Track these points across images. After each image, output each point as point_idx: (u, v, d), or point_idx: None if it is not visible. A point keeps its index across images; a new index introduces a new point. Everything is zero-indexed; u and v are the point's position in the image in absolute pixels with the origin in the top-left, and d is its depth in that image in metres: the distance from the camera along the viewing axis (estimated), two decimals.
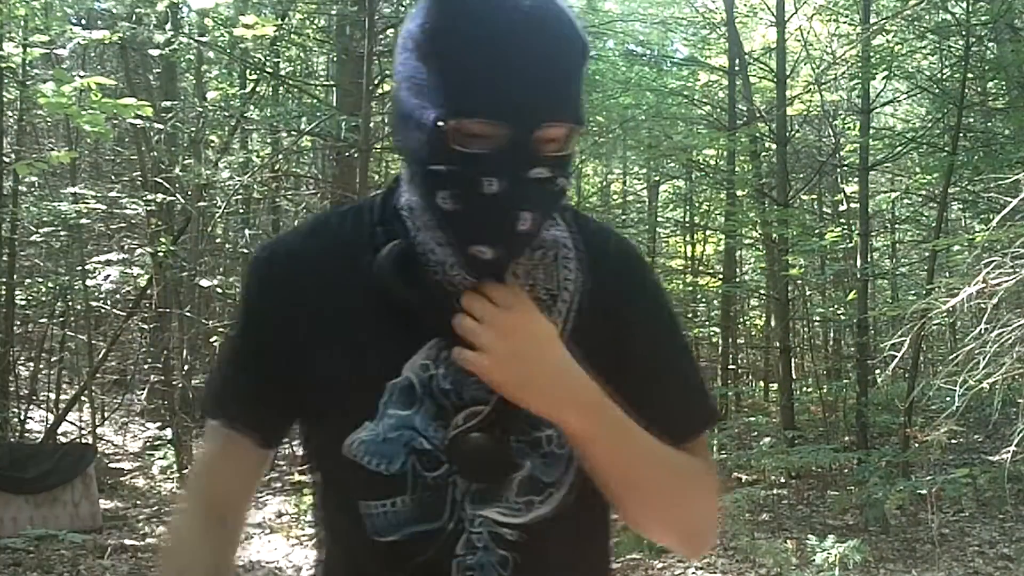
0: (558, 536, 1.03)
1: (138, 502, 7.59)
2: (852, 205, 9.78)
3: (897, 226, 12.15)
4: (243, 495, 1.16)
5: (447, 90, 0.90)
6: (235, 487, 1.13)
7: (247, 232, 10.03)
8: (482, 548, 1.01)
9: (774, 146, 9.48)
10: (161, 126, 8.52)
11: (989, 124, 9.89)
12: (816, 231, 10.12)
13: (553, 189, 0.95)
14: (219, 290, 10.50)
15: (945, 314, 4.97)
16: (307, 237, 1.08)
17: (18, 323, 9.47)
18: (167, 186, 8.48)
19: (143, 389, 10.83)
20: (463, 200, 0.93)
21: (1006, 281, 4.45)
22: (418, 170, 0.96)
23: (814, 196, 12.23)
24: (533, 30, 0.90)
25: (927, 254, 8.92)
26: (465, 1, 0.91)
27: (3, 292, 8.43)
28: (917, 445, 6.31)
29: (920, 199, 10.98)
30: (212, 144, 10.40)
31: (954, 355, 5.25)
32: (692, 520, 1.09)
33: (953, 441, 7.42)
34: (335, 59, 10.46)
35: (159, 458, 8.57)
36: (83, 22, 9.18)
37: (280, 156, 10.40)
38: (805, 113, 10.73)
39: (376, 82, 8.32)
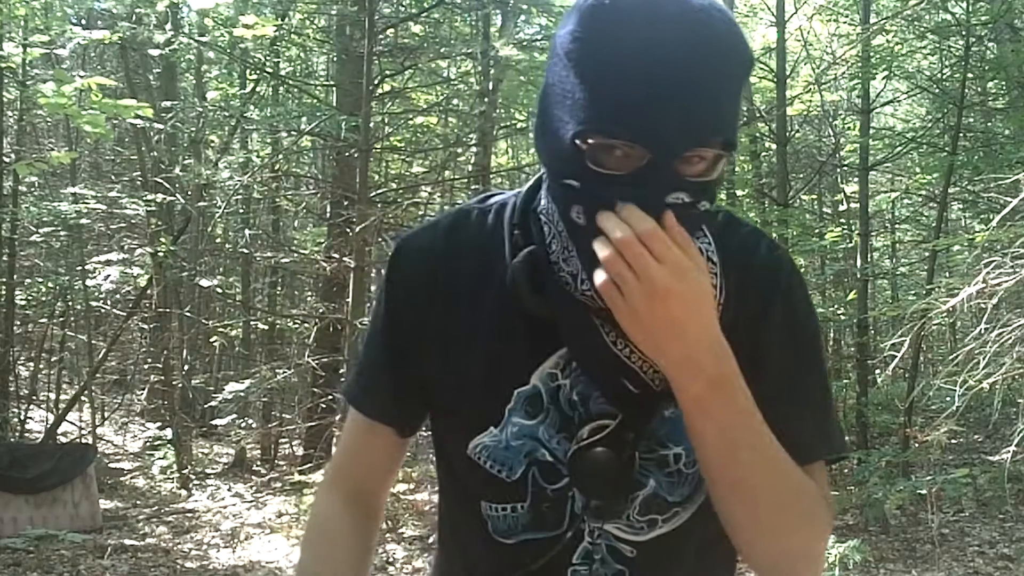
0: (678, 553, 1.02)
1: (138, 502, 7.59)
2: (852, 205, 9.79)
3: (897, 226, 12.16)
4: (383, 481, 1.17)
5: (588, 106, 0.86)
6: (375, 474, 1.15)
7: (247, 232, 10.03)
8: (599, 561, 1.01)
9: (774, 146, 9.48)
10: (161, 126, 8.52)
11: (989, 124, 9.89)
12: (816, 231, 10.12)
13: (693, 213, 0.89)
14: (219, 290, 10.50)
15: (945, 314, 4.96)
16: (447, 233, 1.06)
17: (18, 323, 9.47)
18: (167, 186, 8.47)
19: (143, 389, 10.83)
20: (595, 219, 0.88)
21: (1006, 281, 4.45)
22: (554, 181, 0.93)
23: (814, 196, 12.23)
24: (688, 48, 0.83)
25: (927, 254, 8.92)
26: (618, 11, 0.85)
27: (3, 292, 8.43)
28: (917, 445, 6.30)
29: (920, 199, 10.98)
30: (212, 144, 10.40)
31: (954, 355, 5.25)
32: (793, 547, 0.99)
33: (953, 441, 7.42)
34: (335, 59, 10.46)
35: (159, 458, 8.57)
36: (83, 22, 9.18)
37: (280, 156, 10.39)
38: (805, 113, 10.73)
39: (376, 82, 8.31)
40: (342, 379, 7.25)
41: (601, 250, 0.86)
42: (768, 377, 0.97)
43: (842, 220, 10.80)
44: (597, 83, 0.85)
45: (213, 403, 9.47)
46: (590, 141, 0.86)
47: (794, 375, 1.02)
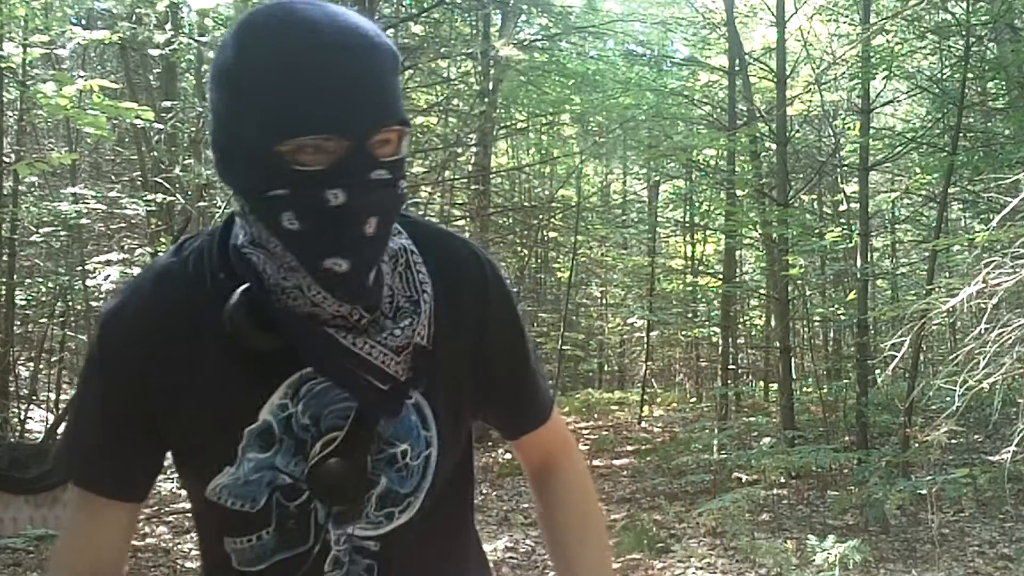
0: (418, 536, 1.10)
1: None
2: (852, 205, 9.79)
3: (897, 226, 12.16)
4: (121, 554, 1.14)
5: (277, 113, 0.91)
6: (113, 549, 1.11)
7: None
8: (348, 562, 1.07)
9: (774, 146, 9.48)
10: (161, 126, 8.52)
11: (989, 124, 9.89)
12: (816, 231, 10.12)
13: (395, 192, 0.98)
14: None
15: (945, 314, 4.97)
16: (153, 292, 1.05)
17: (18, 323, 9.47)
18: (167, 186, 8.48)
19: None
20: (309, 217, 0.94)
21: (1006, 281, 4.45)
22: (257, 200, 0.97)
23: (814, 196, 12.24)
24: (345, 46, 0.92)
25: (927, 254, 8.92)
26: (277, 28, 0.93)
27: (3, 292, 8.43)
28: (917, 445, 6.30)
29: (920, 199, 10.99)
30: None
31: (954, 355, 5.25)
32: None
33: (953, 441, 7.42)
34: None
35: None
36: (83, 22, 9.18)
37: None
38: (805, 113, 10.74)
39: None
40: None
41: None
42: (504, 358, 1.16)
43: (842, 220, 10.80)
44: (282, 92, 0.91)
45: None
46: (288, 144, 0.92)
47: (522, 350, 1.19)
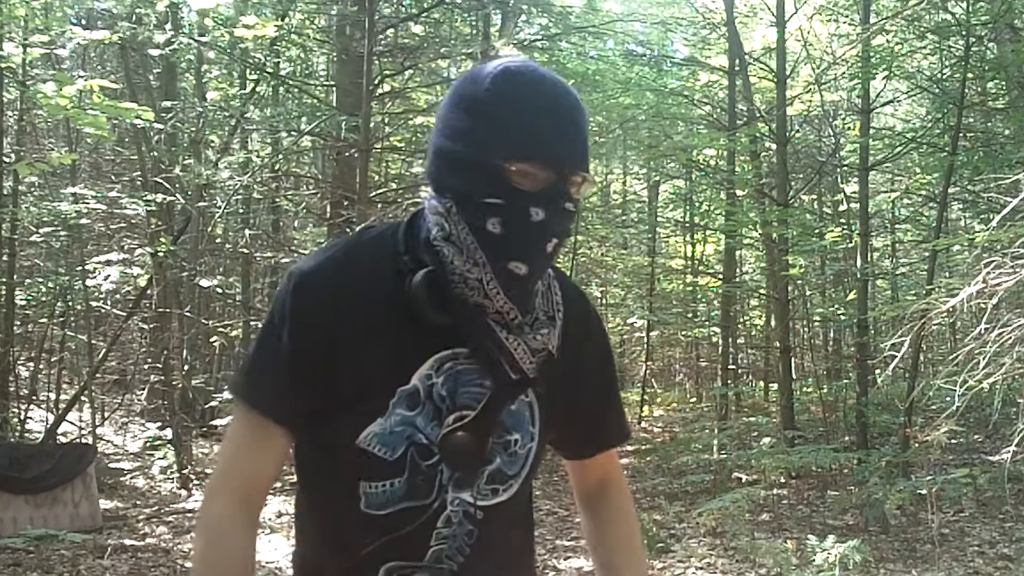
0: (507, 514, 1.32)
1: (138, 502, 7.59)
2: (852, 205, 9.79)
3: (897, 226, 12.16)
4: (268, 486, 1.29)
5: (510, 140, 1.17)
6: (266, 474, 1.28)
7: (247, 232, 10.03)
8: (457, 523, 1.27)
9: (774, 146, 9.48)
10: (161, 126, 8.52)
11: (989, 124, 9.90)
12: (816, 231, 10.12)
13: (571, 223, 1.23)
14: (219, 290, 10.50)
15: (945, 314, 4.96)
16: (344, 259, 1.27)
17: (18, 323, 9.46)
18: (167, 186, 8.47)
19: (143, 389, 10.83)
20: (512, 225, 1.18)
21: (1006, 281, 4.45)
22: (470, 203, 1.20)
23: (814, 196, 12.24)
24: (568, 102, 1.20)
25: (927, 254, 8.92)
26: (522, 75, 1.19)
27: (3, 292, 8.43)
28: (917, 445, 6.30)
29: (920, 199, 10.99)
30: (212, 144, 10.40)
31: (954, 355, 5.24)
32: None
33: (953, 441, 7.42)
34: (335, 59, 10.46)
35: (159, 458, 8.56)
36: (83, 22, 9.19)
37: (280, 156, 10.40)
38: (805, 113, 10.74)
39: (376, 82, 8.31)
40: None
41: None
42: (593, 383, 1.41)
43: (842, 220, 10.80)
44: (523, 125, 1.17)
45: (213, 403, 9.47)
46: (513, 165, 1.16)
47: (611, 381, 1.47)
